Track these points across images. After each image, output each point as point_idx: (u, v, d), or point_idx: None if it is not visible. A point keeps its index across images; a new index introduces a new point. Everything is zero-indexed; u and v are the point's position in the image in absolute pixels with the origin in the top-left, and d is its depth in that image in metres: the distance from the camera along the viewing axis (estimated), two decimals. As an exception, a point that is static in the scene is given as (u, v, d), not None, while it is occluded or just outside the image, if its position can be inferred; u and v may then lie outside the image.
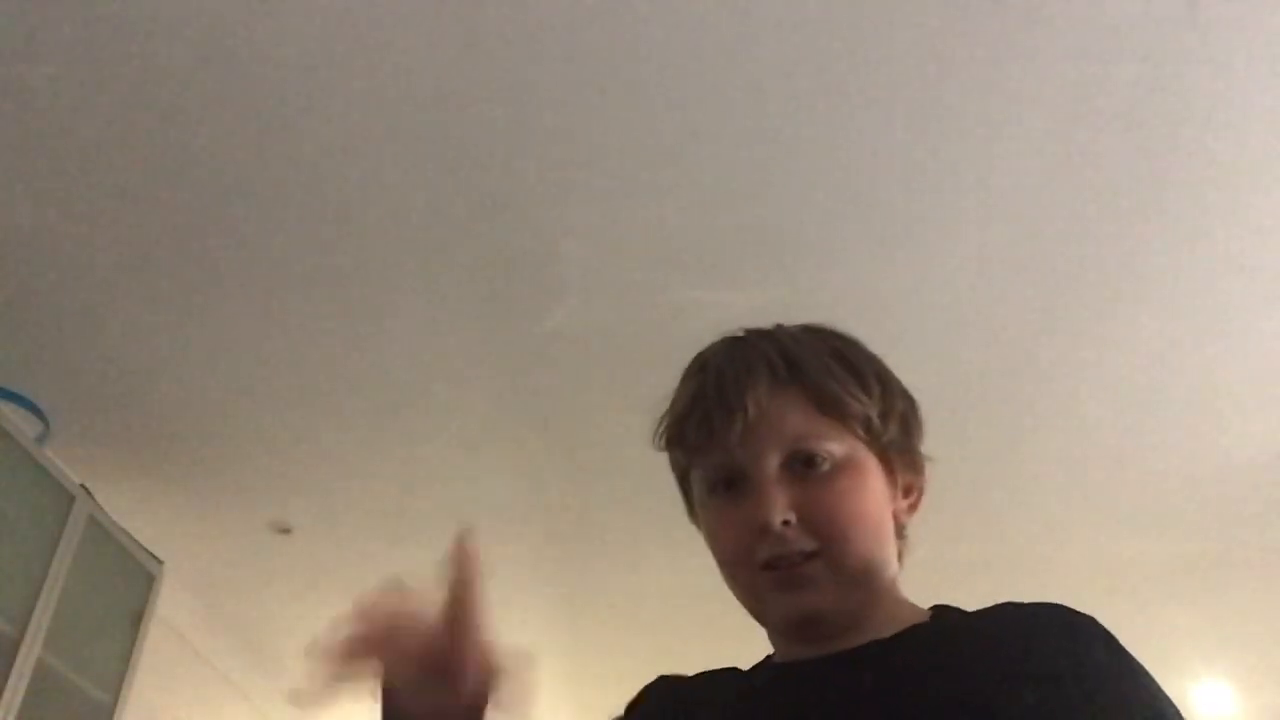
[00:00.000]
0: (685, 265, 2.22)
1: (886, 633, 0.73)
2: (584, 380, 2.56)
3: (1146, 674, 0.69)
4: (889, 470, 0.78)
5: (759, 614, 0.76)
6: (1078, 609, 0.71)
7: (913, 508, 0.81)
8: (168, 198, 2.09)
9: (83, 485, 2.58)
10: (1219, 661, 3.72)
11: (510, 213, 2.12)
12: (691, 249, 2.19)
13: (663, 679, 0.85)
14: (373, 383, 2.59)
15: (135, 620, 2.76)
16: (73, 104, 1.90)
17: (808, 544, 0.72)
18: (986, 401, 2.56)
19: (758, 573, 0.73)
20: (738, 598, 0.77)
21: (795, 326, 0.82)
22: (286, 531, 3.18)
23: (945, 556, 3.12)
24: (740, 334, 0.82)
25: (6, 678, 2.23)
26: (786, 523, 0.72)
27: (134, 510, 2.95)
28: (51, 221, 2.16)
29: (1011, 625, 0.71)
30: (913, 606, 0.78)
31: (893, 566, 0.77)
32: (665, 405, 0.81)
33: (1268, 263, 2.17)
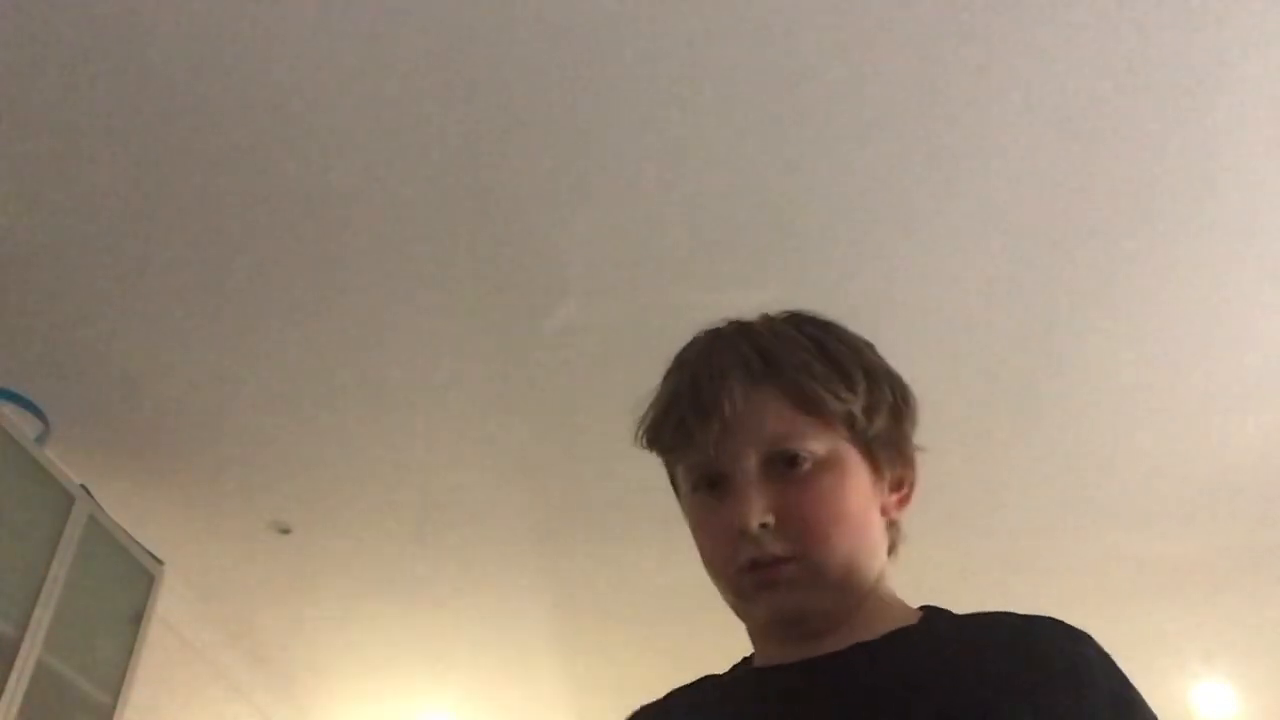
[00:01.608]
0: (685, 265, 2.22)
1: (873, 634, 0.71)
2: (584, 380, 2.56)
3: (1141, 698, 0.68)
4: (875, 466, 0.76)
5: (742, 613, 0.75)
6: (1073, 624, 0.70)
7: (903, 501, 0.78)
8: (168, 198, 2.09)
9: (83, 485, 2.58)
10: (1219, 661, 3.73)
11: (510, 213, 2.12)
12: (691, 249, 2.19)
13: (641, 710, 0.82)
14: (372, 383, 2.59)
15: (135, 620, 2.76)
16: (73, 105, 1.90)
17: (786, 548, 0.70)
18: (986, 402, 2.56)
19: (740, 574, 0.72)
20: (722, 595, 0.76)
21: (778, 317, 0.80)
22: (286, 531, 3.18)
23: (945, 556, 3.12)
24: (720, 328, 0.80)
25: (6, 678, 2.23)
26: (765, 525, 0.70)
27: (134, 510, 2.95)
28: (52, 222, 2.16)
29: (1007, 636, 0.69)
30: (902, 606, 0.76)
31: (878, 564, 0.75)
32: (647, 402, 0.79)
33: (1266, 265, 2.17)
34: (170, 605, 3.14)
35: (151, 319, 2.40)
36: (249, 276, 2.29)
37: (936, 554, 3.13)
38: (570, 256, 2.22)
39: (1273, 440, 2.67)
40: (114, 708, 2.62)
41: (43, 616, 2.35)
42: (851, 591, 0.73)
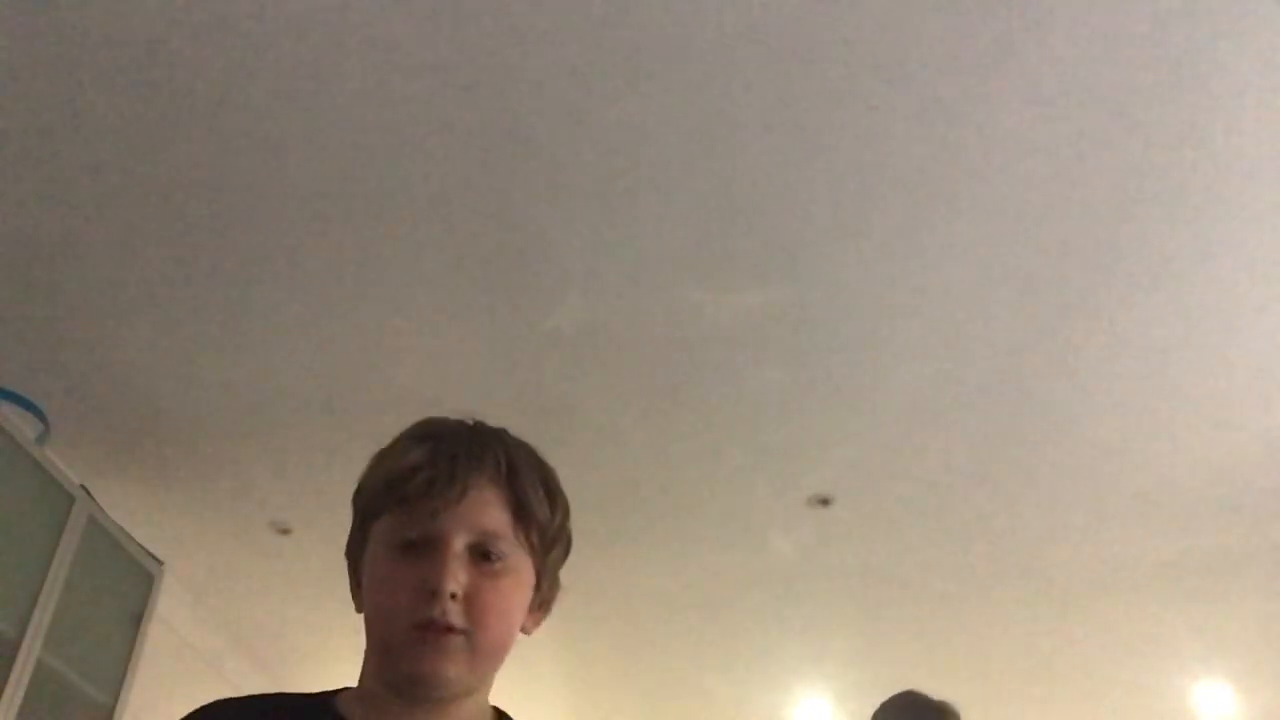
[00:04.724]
0: (685, 265, 2.22)
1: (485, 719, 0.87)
2: (584, 379, 2.56)
3: None
4: (538, 585, 0.90)
5: (387, 663, 0.84)
6: None
7: (536, 622, 0.93)
8: (168, 199, 2.10)
9: (83, 485, 2.58)
10: (1219, 661, 3.72)
11: (511, 213, 2.12)
12: (691, 249, 2.19)
13: (221, 703, 0.89)
14: (372, 382, 2.59)
15: (135, 620, 2.76)
16: (73, 105, 1.90)
17: (460, 621, 0.82)
18: (987, 403, 2.56)
19: (412, 628, 0.81)
20: (372, 641, 0.85)
21: (517, 439, 0.93)
22: (286, 531, 3.19)
23: (945, 557, 3.12)
24: (477, 423, 0.93)
25: (6, 678, 2.23)
26: (453, 596, 0.81)
27: (134, 510, 2.95)
28: (52, 222, 2.16)
29: None
30: (487, 702, 0.90)
31: (500, 663, 0.88)
32: (382, 450, 0.92)
33: (1266, 263, 2.17)
34: (170, 605, 3.14)
35: (152, 319, 2.40)
36: (248, 277, 2.29)
37: (936, 556, 3.13)
38: (570, 256, 2.22)
39: (1273, 440, 2.67)
40: (114, 708, 2.62)
41: (43, 616, 2.35)
42: (484, 677, 0.87)
